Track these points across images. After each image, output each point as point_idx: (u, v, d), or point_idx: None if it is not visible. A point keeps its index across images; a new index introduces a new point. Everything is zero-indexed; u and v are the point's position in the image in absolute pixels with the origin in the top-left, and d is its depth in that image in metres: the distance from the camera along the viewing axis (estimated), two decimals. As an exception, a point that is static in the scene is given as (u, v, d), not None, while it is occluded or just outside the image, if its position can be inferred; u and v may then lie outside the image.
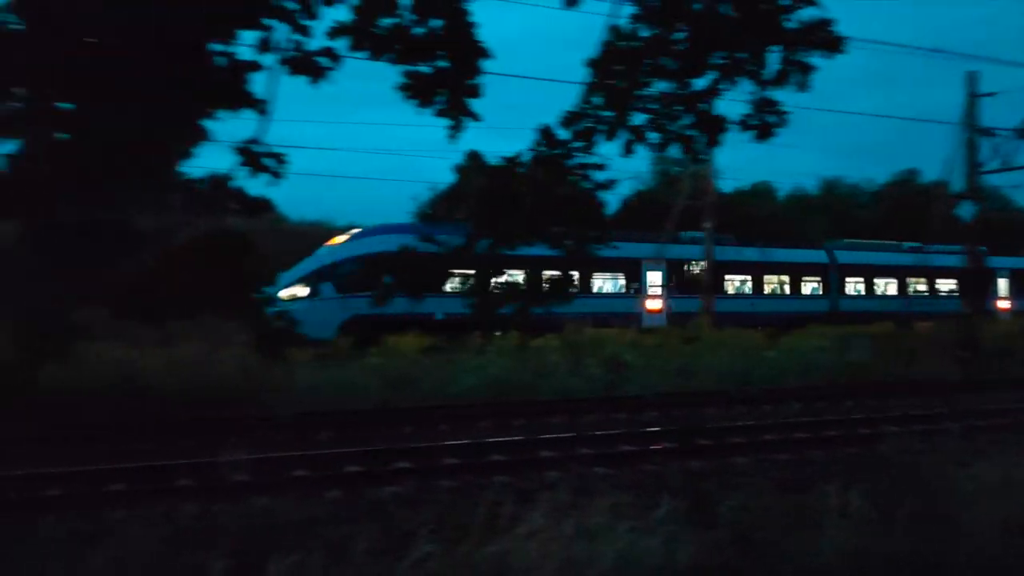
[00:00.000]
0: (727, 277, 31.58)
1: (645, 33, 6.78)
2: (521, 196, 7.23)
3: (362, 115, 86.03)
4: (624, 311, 27.88)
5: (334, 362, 17.29)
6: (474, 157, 8.87)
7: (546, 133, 7.21)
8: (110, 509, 7.77)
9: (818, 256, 34.36)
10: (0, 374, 9.48)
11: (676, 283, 30.35)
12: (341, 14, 6.30)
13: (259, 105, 6.08)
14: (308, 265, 24.85)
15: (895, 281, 35.35)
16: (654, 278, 29.93)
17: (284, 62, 6.15)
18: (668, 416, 13.78)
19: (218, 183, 6.43)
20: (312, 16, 6.09)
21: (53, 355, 7.34)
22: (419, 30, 6.46)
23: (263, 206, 7.00)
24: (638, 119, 7.09)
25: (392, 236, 24.40)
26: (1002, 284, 37.68)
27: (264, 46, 6.02)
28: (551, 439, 11.13)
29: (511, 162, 7.42)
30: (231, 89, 5.76)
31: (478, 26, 6.52)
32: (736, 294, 31.93)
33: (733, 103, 7.39)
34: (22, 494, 8.51)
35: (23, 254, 5.79)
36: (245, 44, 5.91)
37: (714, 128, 7.12)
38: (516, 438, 11.37)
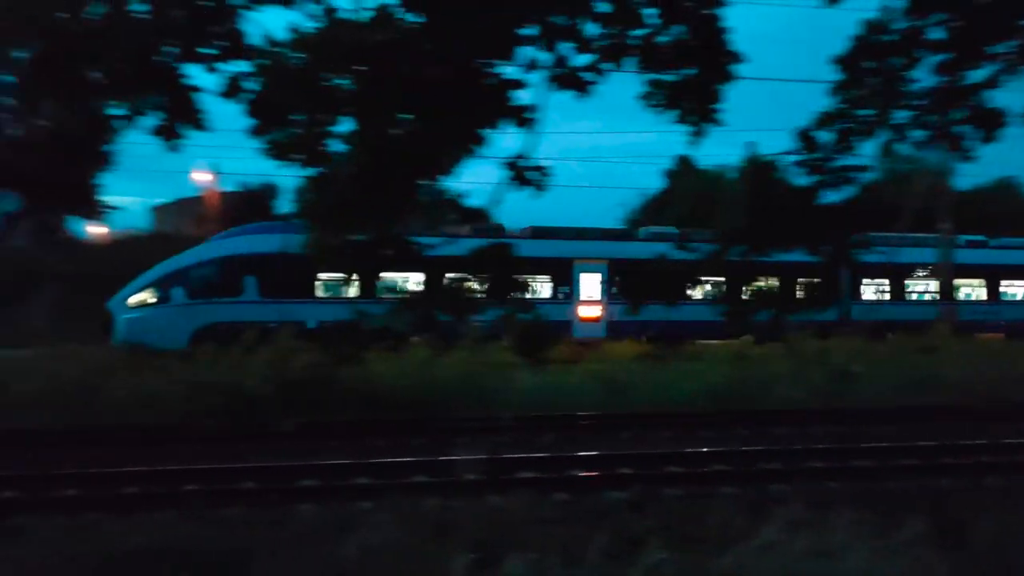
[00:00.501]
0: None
1: (902, 25, 6.41)
2: (782, 200, 7.06)
3: (568, 124, 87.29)
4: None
5: (552, 367, 17.63)
6: (685, 162, 8.80)
7: (804, 136, 6.99)
8: (357, 500, 8.45)
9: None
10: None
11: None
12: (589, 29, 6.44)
13: (528, 121, 6.35)
14: (159, 269, 22.51)
15: None
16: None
17: (551, 79, 6.38)
18: (905, 430, 12.90)
19: (445, 195, 6.86)
20: (581, 34, 6.27)
21: (351, 359, 8.11)
22: (663, 38, 6.50)
23: (480, 216, 7.37)
24: (899, 116, 6.71)
25: (256, 237, 22.91)
26: None
27: (532, 64, 6.28)
28: (777, 451, 10.79)
29: (768, 166, 7.28)
30: (504, 105, 6.07)
31: (730, 31, 6.45)
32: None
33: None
34: (280, 483, 9.40)
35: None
36: (514, 63, 6.22)
37: (991, 122, 6.57)
38: (740, 448, 11.10)
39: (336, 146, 6.21)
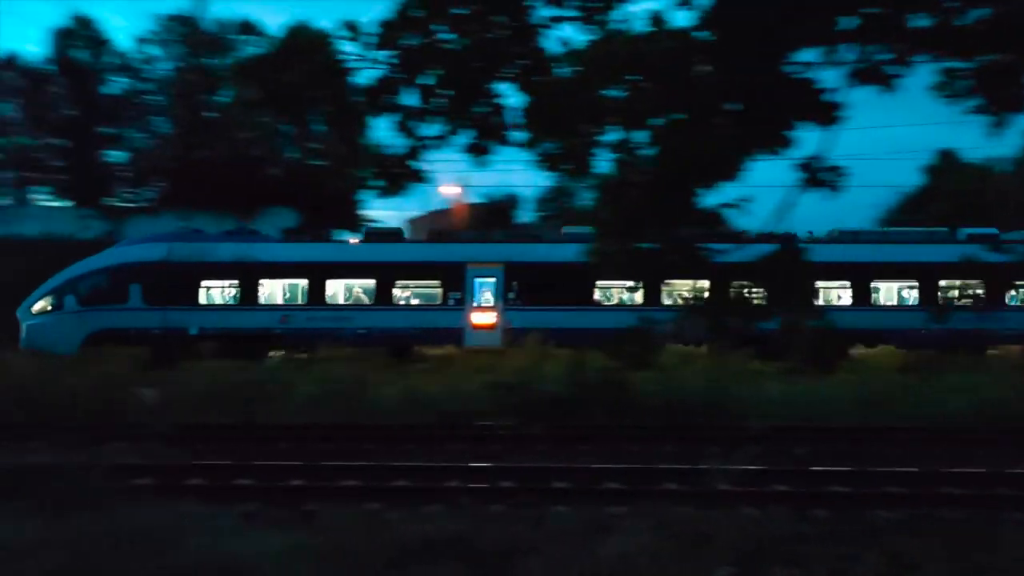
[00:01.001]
0: None
1: None
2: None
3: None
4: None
5: (804, 377, 16.89)
6: (948, 156, 8.09)
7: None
8: (609, 505, 8.60)
9: None
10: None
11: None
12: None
13: (834, 119, 6.17)
14: (57, 278, 23.17)
15: None
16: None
17: (853, 74, 6.16)
18: None
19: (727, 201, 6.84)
20: (896, 25, 5.98)
21: (642, 365, 8.33)
22: (965, 21, 6.03)
23: (716, 219, 7.25)
24: None
25: (141, 247, 23.55)
26: None
27: (835, 60, 6.09)
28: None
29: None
30: (812, 104, 5.94)
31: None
32: None
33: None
34: (534, 484, 9.77)
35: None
36: (820, 61, 6.07)
37: None
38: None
39: (605, 155, 6.42)
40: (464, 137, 6.33)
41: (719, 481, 8.96)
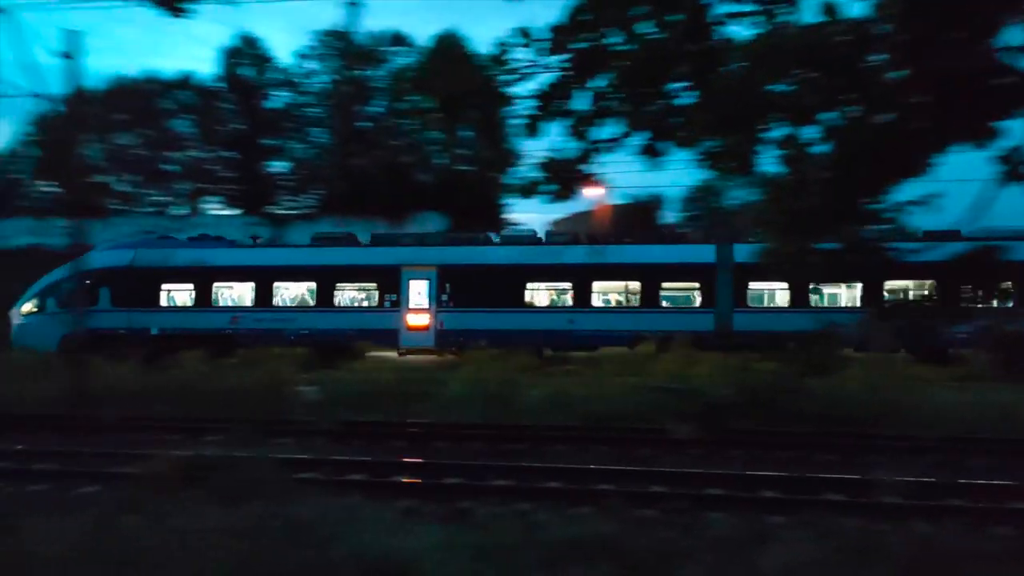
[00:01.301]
0: None
1: None
2: None
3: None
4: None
5: (979, 384, 15.77)
6: None
7: None
8: (767, 514, 8.32)
9: None
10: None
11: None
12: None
13: None
14: (42, 282, 24.98)
15: None
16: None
17: None
18: None
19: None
20: None
21: (823, 371, 8.07)
22: None
23: (901, 216, 6.81)
24: None
25: (108, 253, 24.96)
26: None
27: None
28: None
29: None
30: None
31: None
32: None
33: None
34: (690, 489, 9.57)
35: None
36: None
37: None
38: None
39: (771, 153, 6.21)
40: (638, 139, 6.28)
41: (887, 493, 8.50)
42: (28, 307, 25.13)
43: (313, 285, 24.43)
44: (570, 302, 23.32)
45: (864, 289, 20.97)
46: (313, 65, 45.21)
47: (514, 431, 13.22)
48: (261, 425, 11.77)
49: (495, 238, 25.70)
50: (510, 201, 41.70)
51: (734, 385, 13.86)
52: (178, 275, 24.82)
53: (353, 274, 24.54)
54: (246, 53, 45.53)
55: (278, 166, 46.39)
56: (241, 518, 6.72)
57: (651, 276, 23.02)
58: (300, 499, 7.46)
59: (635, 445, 12.21)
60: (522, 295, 23.49)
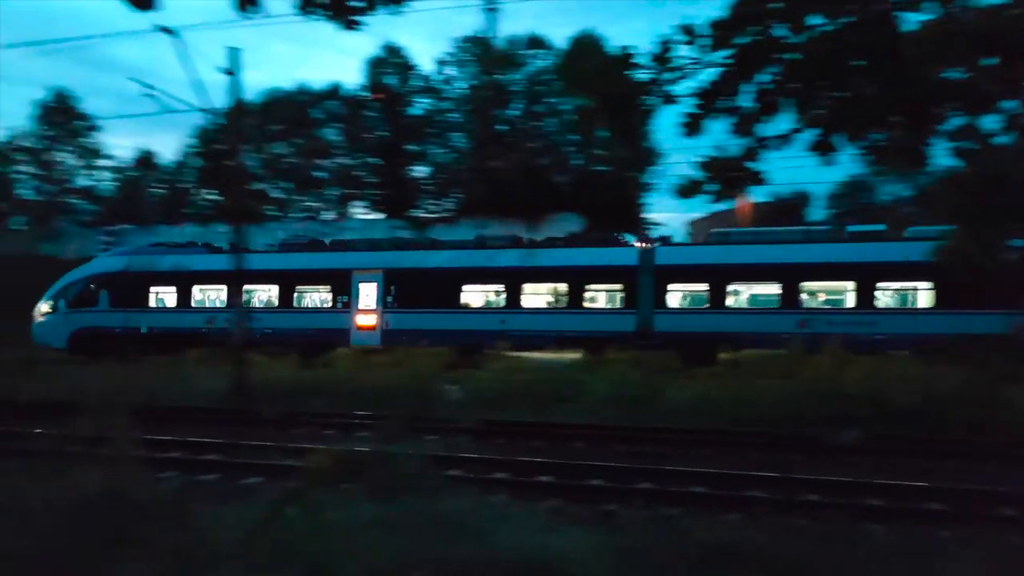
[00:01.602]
0: None
1: None
2: None
3: None
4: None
5: None
6: None
7: None
8: (931, 527, 7.86)
9: None
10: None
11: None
12: None
13: None
14: (57, 284, 28.11)
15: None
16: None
17: None
18: None
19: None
20: None
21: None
22: None
23: None
24: None
25: (107, 259, 28.61)
26: None
27: None
28: None
29: None
30: None
31: None
32: None
33: None
34: (845, 499, 9.16)
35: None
36: None
37: None
38: None
39: (943, 144, 5.88)
40: (808, 134, 6.08)
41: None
42: (44, 308, 28.05)
43: (276, 288, 26.43)
44: (503, 303, 24.33)
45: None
46: (453, 71, 46.27)
47: (655, 432, 13.07)
48: (408, 422, 12.14)
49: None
50: (649, 200, 41.25)
51: (920, 391, 13.21)
52: (163, 279, 27.43)
53: (312, 277, 26.31)
54: (390, 62, 47.09)
55: (420, 171, 47.75)
56: (395, 513, 6.94)
57: (576, 279, 23.83)
58: (450, 496, 7.63)
59: (787, 451, 11.83)
60: (459, 297, 24.73)
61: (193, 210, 49.89)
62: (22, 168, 53.19)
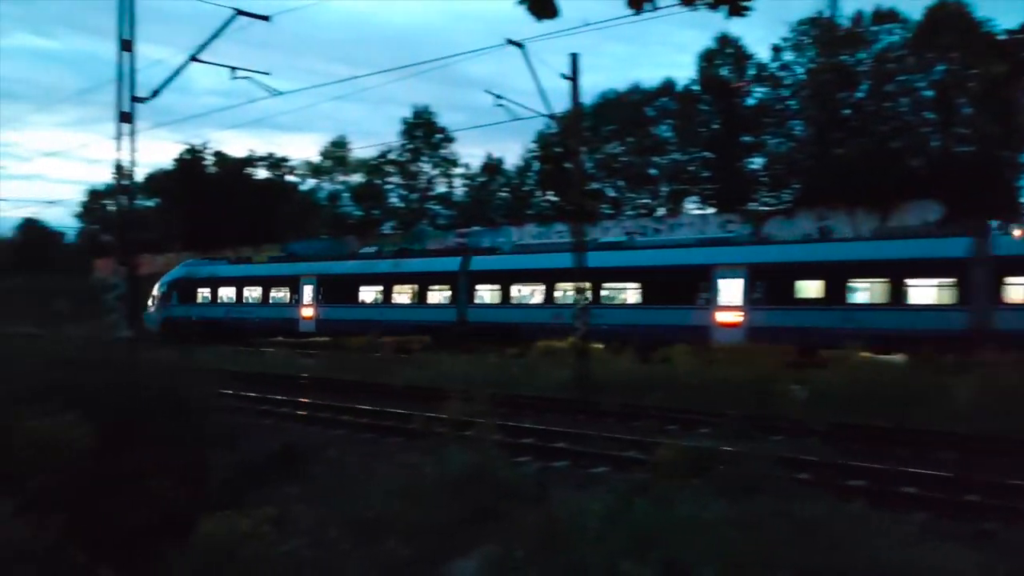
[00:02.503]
0: None
1: None
2: None
3: None
4: None
5: None
6: None
7: None
8: None
9: None
10: None
11: None
12: None
13: None
14: (157, 285, 39.84)
15: None
16: None
17: None
18: None
19: None
20: None
21: None
22: None
23: None
24: None
25: (177, 269, 41.03)
26: None
27: None
28: None
29: None
30: None
31: None
32: None
33: None
34: None
35: None
36: None
37: None
38: None
39: None
40: None
41: None
42: (149, 302, 38.99)
43: (259, 289, 36.64)
44: (381, 300, 32.29)
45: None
46: (790, 56, 44.18)
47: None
48: (751, 420, 11.81)
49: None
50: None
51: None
52: (204, 283, 38.92)
53: (278, 281, 35.80)
54: (723, 53, 46.17)
55: (755, 163, 46.27)
56: (746, 512, 6.78)
57: (420, 281, 31.39)
58: (802, 499, 7.29)
59: None
60: (357, 295, 32.80)
61: (534, 211, 52.91)
62: (391, 179, 60.11)
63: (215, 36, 16.66)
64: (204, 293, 38.85)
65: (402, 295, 31.67)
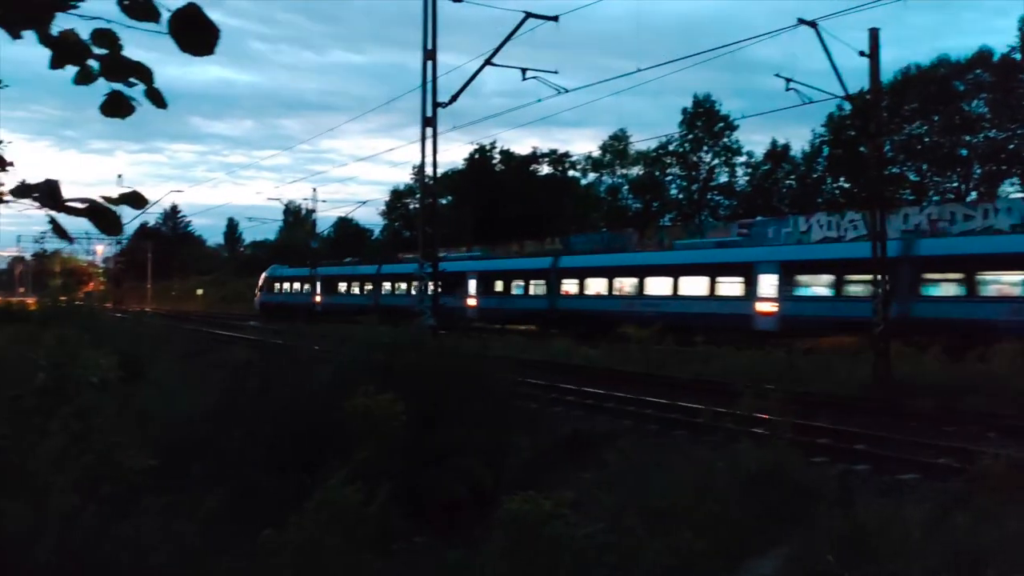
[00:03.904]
0: None
1: None
2: None
3: None
4: None
5: None
6: None
7: None
8: None
9: None
10: None
11: None
12: None
13: None
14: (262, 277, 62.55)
15: None
16: None
17: None
18: None
19: None
20: None
21: None
22: None
23: None
24: None
25: (272, 269, 63.06)
26: None
27: None
28: None
29: None
30: None
31: None
32: None
33: None
34: None
35: None
36: None
37: None
38: None
39: None
40: None
41: None
42: (256, 290, 60.97)
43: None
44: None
45: None
46: None
47: None
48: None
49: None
50: None
51: None
52: (279, 280, 58.64)
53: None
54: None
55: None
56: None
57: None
58: None
59: None
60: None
61: (823, 200, 49.98)
62: (671, 170, 59.69)
63: (507, 40, 17.52)
64: (282, 286, 58.65)
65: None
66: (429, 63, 17.08)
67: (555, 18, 17.70)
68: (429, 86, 17.07)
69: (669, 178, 60.04)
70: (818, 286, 26.73)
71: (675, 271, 30.00)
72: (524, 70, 18.14)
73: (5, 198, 1.70)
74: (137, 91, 2.15)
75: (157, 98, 2.12)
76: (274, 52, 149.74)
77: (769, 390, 11.32)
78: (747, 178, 57.55)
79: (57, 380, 5.58)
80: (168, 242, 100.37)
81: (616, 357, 23.23)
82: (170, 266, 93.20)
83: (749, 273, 27.55)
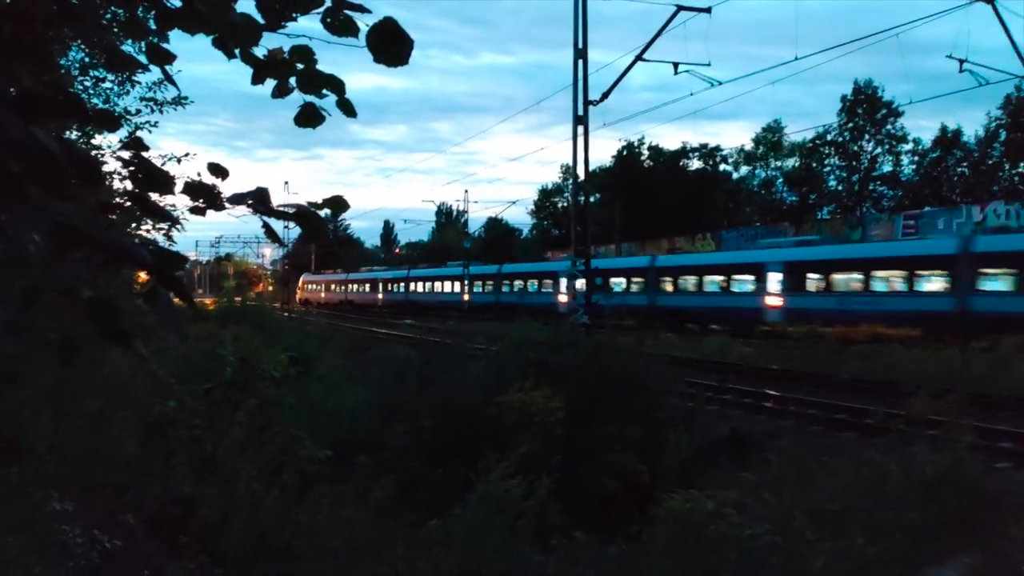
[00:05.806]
0: None
1: None
2: None
3: None
4: None
5: None
6: None
7: None
8: None
9: None
10: None
11: None
12: None
13: None
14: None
15: None
16: None
17: None
18: None
19: None
20: None
21: None
22: None
23: None
24: None
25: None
26: None
27: None
28: None
29: None
30: None
31: None
32: None
33: None
34: None
35: None
36: None
37: None
38: None
39: None
40: None
41: None
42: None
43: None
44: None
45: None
46: None
47: None
48: None
49: None
50: None
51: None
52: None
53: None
54: None
55: None
56: None
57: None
58: None
59: None
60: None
61: (999, 188, 46.41)
62: (829, 161, 57.02)
63: (659, 34, 17.33)
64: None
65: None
66: (580, 62, 17.13)
67: (708, 10, 17.33)
68: (580, 85, 17.13)
69: (827, 169, 57.37)
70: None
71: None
72: (676, 64, 17.87)
73: (226, 205, 1.86)
74: (327, 102, 2.29)
75: (348, 108, 2.26)
76: (425, 57, 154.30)
77: (945, 391, 10.68)
78: (913, 167, 54.20)
79: (244, 374, 6.00)
80: (329, 244, 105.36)
81: (770, 355, 22.50)
82: (332, 267, 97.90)
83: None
